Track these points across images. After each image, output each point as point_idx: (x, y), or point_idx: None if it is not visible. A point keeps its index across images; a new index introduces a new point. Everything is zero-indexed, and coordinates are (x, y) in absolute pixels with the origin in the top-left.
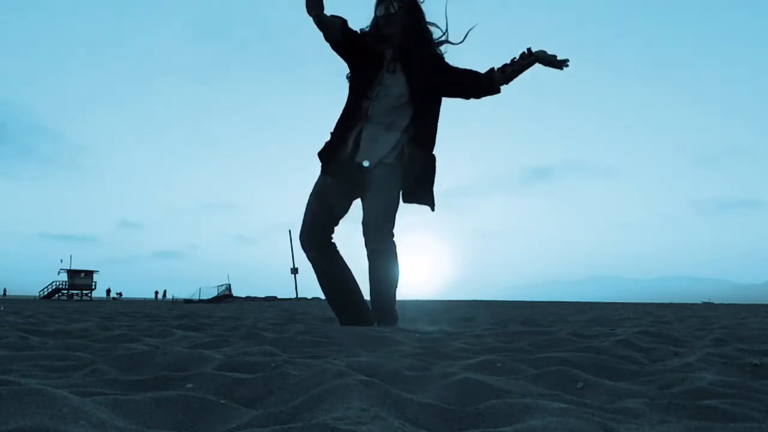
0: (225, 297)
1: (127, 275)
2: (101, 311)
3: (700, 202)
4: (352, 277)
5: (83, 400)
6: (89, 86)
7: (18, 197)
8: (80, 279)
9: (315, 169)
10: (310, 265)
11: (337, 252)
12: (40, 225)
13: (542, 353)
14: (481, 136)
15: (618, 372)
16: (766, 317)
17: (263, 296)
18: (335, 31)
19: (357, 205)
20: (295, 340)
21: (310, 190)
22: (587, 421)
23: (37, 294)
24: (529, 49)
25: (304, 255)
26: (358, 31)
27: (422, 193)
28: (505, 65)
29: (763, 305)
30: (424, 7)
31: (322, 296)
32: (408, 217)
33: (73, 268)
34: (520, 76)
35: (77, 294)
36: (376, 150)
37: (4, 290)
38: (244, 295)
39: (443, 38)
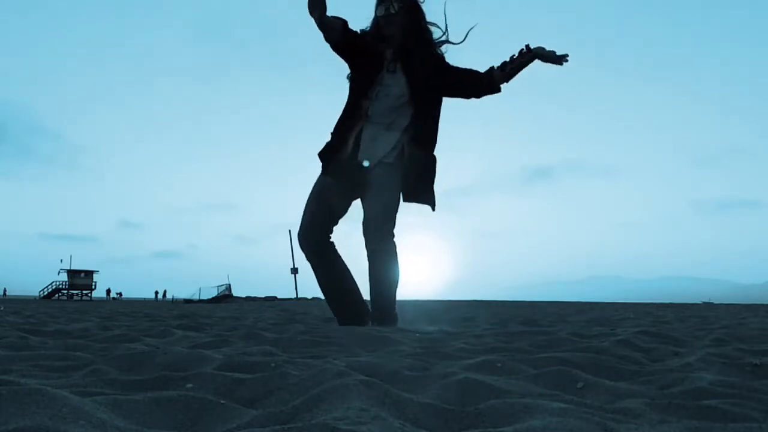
0: (225, 297)
1: (127, 275)
2: (101, 311)
3: (700, 202)
4: (351, 277)
5: (83, 400)
6: (89, 86)
7: (18, 197)
8: (80, 279)
9: (315, 169)
10: (309, 264)
11: (336, 252)
12: (40, 225)
13: (542, 353)
14: (481, 136)
15: (618, 372)
16: (766, 317)
17: (263, 296)
18: (336, 32)
19: (357, 205)
20: (295, 340)
21: (310, 190)
22: (587, 421)
23: (37, 294)
24: (527, 46)
25: (303, 255)
26: (359, 32)
27: (423, 192)
28: (504, 63)
29: (763, 305)
30: (424, 7)
31: (322, 296)
32: (408, 217)
33: (73, 268)
34: (521, 73)
35: (77, 294)
36: (376, 150)
37: (4, 290)
38: (244, 295)
39: (443, 38)
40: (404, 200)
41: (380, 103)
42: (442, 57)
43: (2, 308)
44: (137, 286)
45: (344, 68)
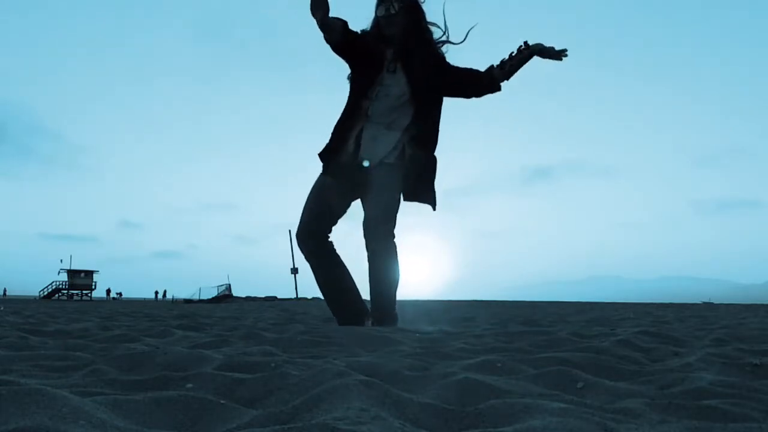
0: (225, 297)
1: (127, 275)
2: (101, 311)
3: (700, 202)
4: (350, 276)
5: (83, 400)
6: (89, 86)
7: (18, 197)
8: (80, 279)
9: (315, 169)
10: (308, 264)
11: (334, 251)
12: (40, 225)
13: (542, 353)
14: (481, 136)
15: (618, 372)
16: (766, 317)
17: (263, 296)
18: (336, 33)
19: (357, 205)
20: (295, 340)
21: (310, 189)
22: (587, 421)
23: (37, 294)
24: (525, 43)
25: (302, 254)
26: (359, 32)
27: (423, 192)
28: (503, 61)
29: (763, 305)
30: (424, 7)
31: (322, 296)
32: (408, 217)
33: (73, 268)
34: (521, 71)
35: (77, 294)
36: (376, 150)
37: (4, 290)
38: (244, 295)
39: (444, 38)
40: (405, 199)
41: (380, 103)
42: (442, 57)
43: (2, 308)
44: (137, 286)
45: (344, 68)
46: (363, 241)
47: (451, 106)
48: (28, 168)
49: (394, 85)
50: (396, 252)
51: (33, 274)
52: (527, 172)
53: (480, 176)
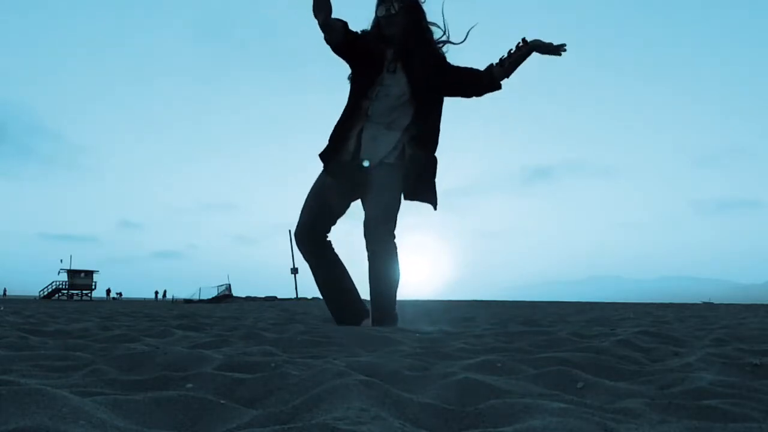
0: (225, 297)
1: (127, 275)
2: (101, 311)
3: (700, 202)
4: (348, 276)
5: (83, 400)
6: (89, 86)
7: (18, 197)
8: (80, 279)
9: (315, 169)
10: (307, 263)
11: (333, 251)
12: (40, 225)
13: (542, 353)
14: (481, 136)
15: (618, 372)
16: (766, 317)
17: (263, 296)
18: (337, 34)
19: (357, 205)
20: (295, 340)
21: (309, 188)
22: (587, 421)
23: (37, 294)
24: (524, 39)
25: (300, 253)
26: (359, 33)
27: (424, 191)
28: (502, 59)
29: (763, 305)
30: (424, 7)
31: (320, 296)
32: (408, 217)
33: (73, 268)
34: (521, 69)
35: (77, 294)
36: (377, 150)
37: (4, 290)
38: (244, 295)
39: (444, 38)
40: (405, 198)
41: (380, 103)
42: (443, 57)
43: (2, 308)
44: (137, 286)
45: (345, 68)
46: (363, 241)
47: (451, 106)
48: (28, 168)
49: (394, 85)
50: (396, 252)
51: (33, 274)
52: (527, 172)
53: (480, 176)
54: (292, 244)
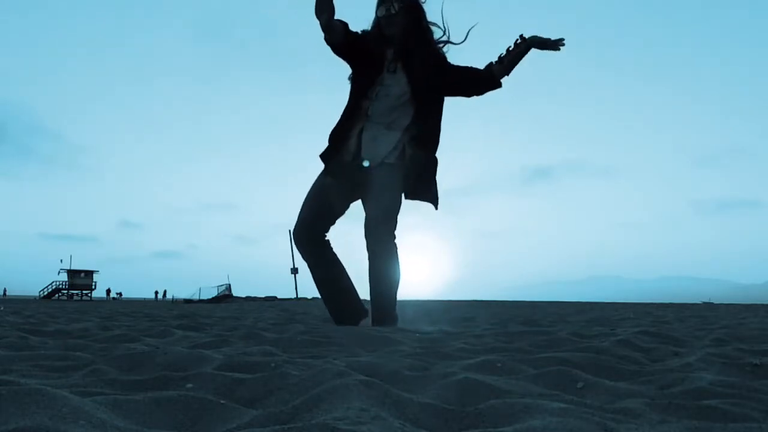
0: (225, 297)
1: (127, 275)
2: (101, 311)
3: (700, 202)
4: (347, 275)
5: (83, 400)
6: (89, 86)
7: (18, 197)
8: (80, 279)
9: (315, 169)
10: (305, 263)
11: (332, 250)
12: (40, 225)
13: (542, 353)
14: (481, 136)
15: (618, 372)
16: (766, 317)
17: (263, 296)
18: (337, 34)
19: (357, 205)
20: (295, 340)
21: (309, 188)
22: (587, 421)
23: (37, 294)
24: (522, 36)
25: (298, 252)
26: (360, 33)
27: (425, 191)
28: (501, 56)
29: (763, 305)
30: (425, 7)
31: (319, 295)
32: (408, 217)
33: (73, 268)
34: (521, 68)
35: (77, 294)
36: (377, 150)
37: (4, 290)
38: (244, 295)
39: (444, 38)
40: (406, 198)
41: (380, 103)
42: (443, 57)
43: (2, 308)
44: (137, 286)
45: (345, 68)
46: (363, 241)
47: (451, 106)
48: (28, 168)
49: (395, 85)
50: (396, 253)
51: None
52: (527, 172)
53: (480, 176)
54: (292, 244)
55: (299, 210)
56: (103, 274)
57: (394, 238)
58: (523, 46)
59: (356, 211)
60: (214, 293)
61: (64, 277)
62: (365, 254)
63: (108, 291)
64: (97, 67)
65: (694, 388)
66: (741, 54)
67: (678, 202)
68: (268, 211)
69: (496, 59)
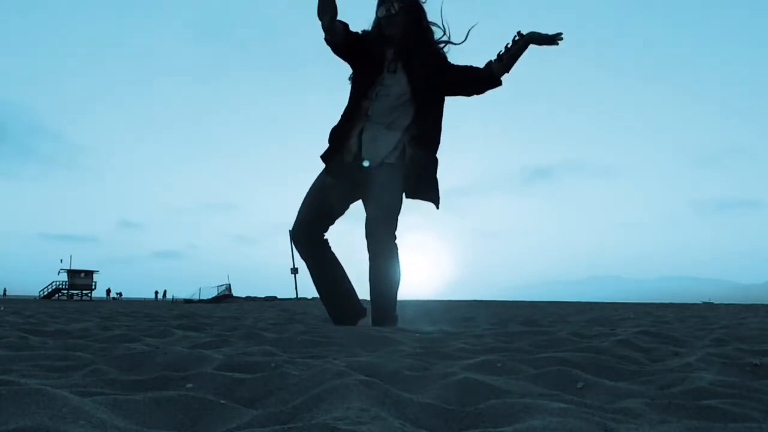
0: (225, 297)
1: (127, 275)
2: (101, 311)
3: (700, 202)
4: (345, 275)
5: (83, 400)
6: (89, 86)
7: (18, 197)
8: (80, 279)
9: (315, 169)
10: (304, 262)
11: (330, 249)
12: (40, 225)
13: (542, 353)
14: (481, 136)
15: (618, 372)
16: (766, 317)
17: (263, 296)
18: (338, 35)
19: (356, 205)
20: (295, 340)
21: (309, 187)
22: (587, 421)
23: (37, 294)
24: (519, 32)
25: (297, 251)
26: (360, 33)
27: (426, 190)
28: (500, 54)
29: (763, 305)
30: (425, 7)
31: (317, 294)
32: (408, 217)
33: (73, 268)
34: (521, 69)
35: (77, 294)
36: (377, 150)
37: (4, 290)
38: (244, 295)
39: (444, 38)
40: (407, 197)
41: (380, 103)
42: (443, 56)
43: (2, 308)
44: (137, 286)
45: (345, 68)
46: (363, 241)
47: (451, 106)
48: (28, 168)
49: (395, 85)
50: (397, 253)
51: (33, 274)
52: (527, 172)
53: (480, 176)
54: (292, 244)
55: (298, 209)
56: (103, 274)
57: (395, 238)
58: (522, 43)
59: (356, 211)
60: (214, 293)
61: (64, 277)
62: (366, 254)
63: (108, 291)
64: (97, 67)
65: (694, 388)
66: (741, 54)
67: (678, 202)
68: (268, 211)
69: (495, 57)
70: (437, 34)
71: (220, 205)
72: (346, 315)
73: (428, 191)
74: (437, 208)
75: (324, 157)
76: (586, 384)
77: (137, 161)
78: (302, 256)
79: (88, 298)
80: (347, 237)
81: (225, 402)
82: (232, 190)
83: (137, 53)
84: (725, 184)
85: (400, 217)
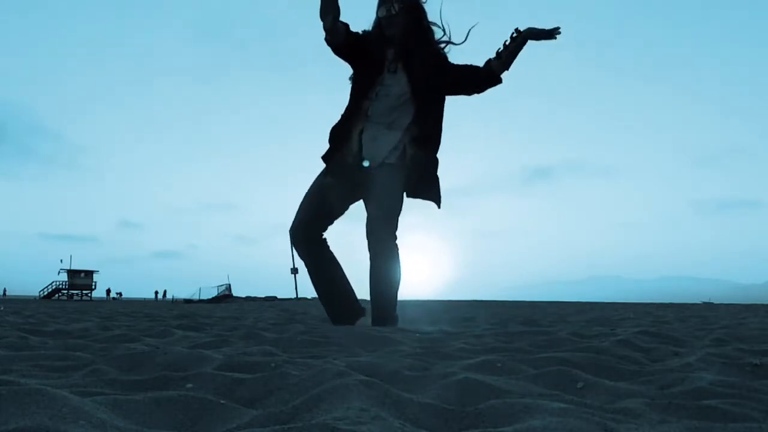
0: (225, 297)
1: (127, 275)
2: (101, 311)
3: (700, 202)
4: (344, 275)
5: (83, 400)
6: (89, 86)
7: (18, 197)
8: (80, 279)
9: (315, 169)
10: (303, 262)
11: (329, 249)
12: (40, 225)
13: (542, 353)
14: (481, 136)
15: (618, 372)
16: (766, 317)
17: (263, 296)
18: (339, 36)
19: (357, 205)
20: (295, 340)
21: (309, 187)
22: (587, 421)
23: (37, 294)
24: (517, 29)
25: (295, 251)
26: (360, 33)
27: (427, 190)
28: (499, 51)
29: (763, 305)
30: (425, 7)
31: (316, 294)
32: (408, 217)
33: (73, 268)
34: (521, 68)
35: (77, 294)
36: (378, 150)
37: (4, 290)
38: (244, 295)
39: (445, 38)
40: (408, 196)
41: (380, 103)
42: (444, 56)
43: (2, 308)
44: (137, 286)
45: (345, 68)
46: (363, 240)
47: (451, 106)
48: (28, 168)
49: (395, 85)
50: (398, 253)
51: (33, 274)
52: (527, 172)
53: (480, 176)
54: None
55: (297, 209)
56: (103, 274)
57: (396, 238)
58: (520, 39)
59: (356, 211)
60: (214, 293)
61: (64, 277)
62: (366, 254)
63: (108, 291)
64: (97, 67)
65: (694, 388)
66: (741, 54)
67: (678, 202)
68: (268, 211)
69: (494, 55)
70: (437, 34)
71: (220, 205)
72: (345, 315)
73: (430, 190)
74: (438, 207)
75: (325, 157)
76: (586, 384)
77: (137, 161)
78: (300, 256)
79: (88, 298)
80: (347, 237)
81: (225, 402)
82: (232, 190)
83: (137, 53)
84: (725, 184)
85: (400, 217)
